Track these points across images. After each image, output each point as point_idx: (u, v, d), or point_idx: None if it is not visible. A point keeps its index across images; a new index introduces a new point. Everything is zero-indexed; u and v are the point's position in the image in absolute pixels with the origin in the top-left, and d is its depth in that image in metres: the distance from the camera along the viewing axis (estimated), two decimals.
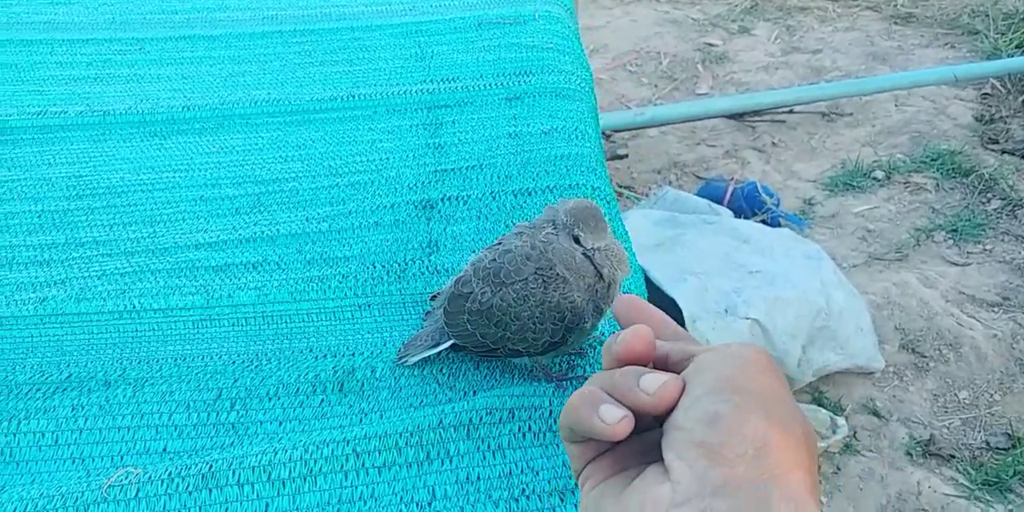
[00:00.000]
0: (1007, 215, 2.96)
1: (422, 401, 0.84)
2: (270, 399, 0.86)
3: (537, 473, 0.76)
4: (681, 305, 2.16)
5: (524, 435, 0.79)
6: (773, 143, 3.52)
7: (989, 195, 3.04)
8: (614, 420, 0.52)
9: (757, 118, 3.58)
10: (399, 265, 0.99)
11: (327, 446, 0.77)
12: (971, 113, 3.48)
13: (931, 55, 3.90)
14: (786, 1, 4.47)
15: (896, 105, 3.61)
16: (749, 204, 3.02)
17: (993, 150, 3.26)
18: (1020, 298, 2.66)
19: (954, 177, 3.18)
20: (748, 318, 2.18)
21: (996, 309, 2.63)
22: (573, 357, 0.89)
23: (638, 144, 3.54)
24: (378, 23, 1.54)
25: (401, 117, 1.27)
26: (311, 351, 0.91)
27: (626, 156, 3.33)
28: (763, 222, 2.91)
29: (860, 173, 3.25)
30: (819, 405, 2.33)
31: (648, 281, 2.29)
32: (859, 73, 3.83)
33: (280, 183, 1.16)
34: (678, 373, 0.56)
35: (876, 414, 2.35)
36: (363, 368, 0.88)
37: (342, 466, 0.76)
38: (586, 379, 0.83)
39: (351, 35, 1.51)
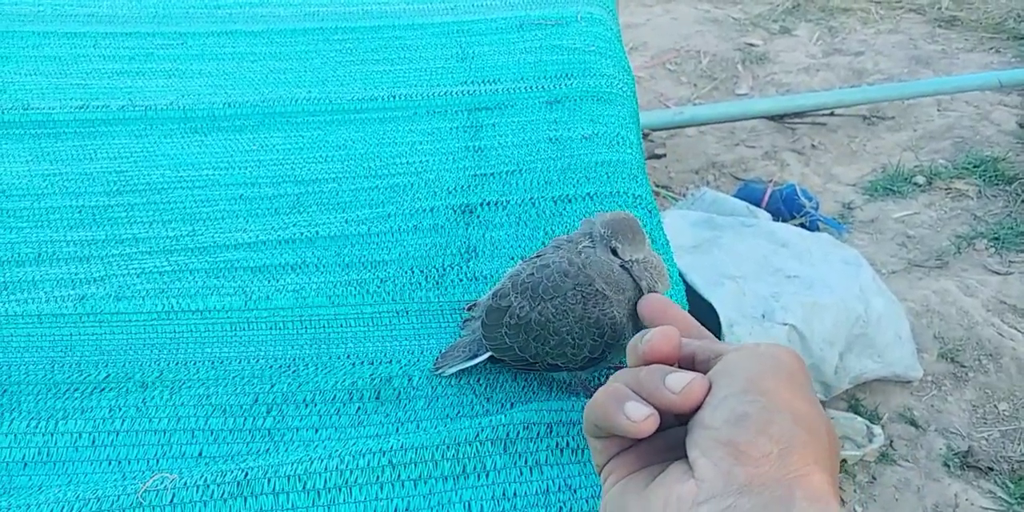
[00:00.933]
0: None
1: (459, 412, 0.83)
2: (306, 405, 0.85)
3: (575, 491, 0.74)
4: (718, 309, 2.14)
5: (562, 451, 0.77)
6: (813, 146, 3.48)
7: None
8: (640, 418, 0.53)
9: (797, 120, 3.54)
10: (437, 271, 0.98)
11: (363, 456, 0.76)
12: (1015, 119, 3.42)
13: (975, 59, 3.84)
14: (828, 2, 4.41)
15: (939, 110, 3.55)
16: (788, 207, 2.99)
17: None
18: None
19: (997, 184, 3.12)
20: (786, 324, 2.16)
21: None
22: (612, 371, 0.88)
23: (676, 143, 3.51)
24: (419, 22, 1.52)
25: (441, 119, 1.26)
26: (348, 357, 0.90)
27: (664, 156, 3.30)
28: (801, 226, 2.88)
29: (901, 178, 3.20)
30: (855, 413, 2.30)
31: (685, 284, 2.27)
32: (901, 76, 3.77)
33: (320, 184, 1.15)
34: (704, 372, 0.56)
35: (913, 423, 2.31)
36: (400, 376, 0.86)
37: (378, 478, 0.75)
38: None
39: (392, 33, 1.50)
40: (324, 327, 0.94)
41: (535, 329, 0.80)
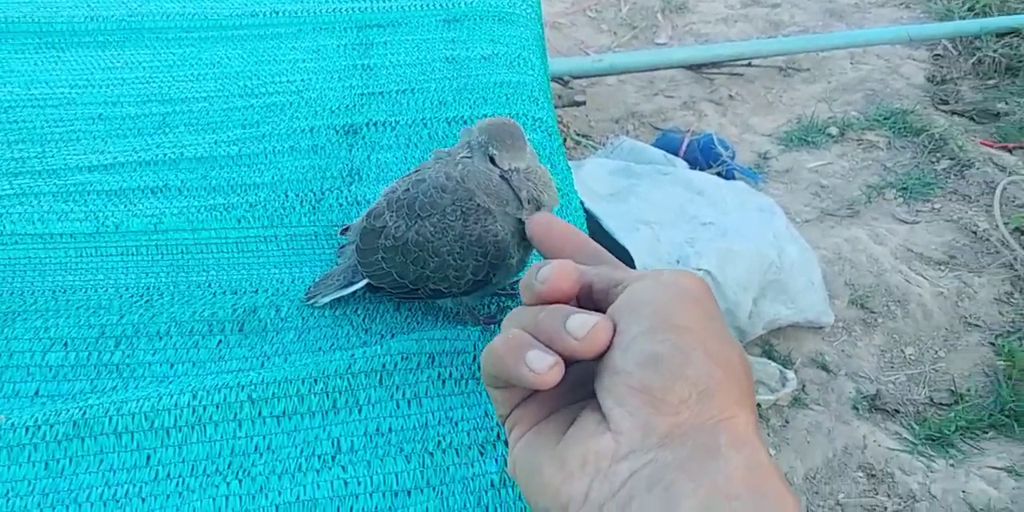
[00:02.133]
0: (955, 175, 2.94)
1: (332, 345, 0.74)
2: (160, 338, 0.76)
3: (456, 424, 0.67)
4: (633, 254, 2.10)
5: (443, 382, 0.70)
6: (730, 96, 3.46)
7: (939, 155, 3.02)
8: (543, 368, 0.47)
9: (715, 70, 3.50)
10: (314, 194, 0.89)
11: (219, 392, 0.68)
12: (923, 74, 3.45)
13: (887, 14, 3.86)
14: None
15: (851, 63, 3.56)
16: (705, 156, 2.96)
17: (944, 111, 3.24)
18: (965, 257, 2.65)
19: (906, 136, 3.15)
20: (700, 269, 2.13)
21: (942, 267, 2.62)
22: (502, 298, 0.80)
23: (596, 92, 3.45)
24: None
25: (328, 36, 1.16)
26: (209, 286, 0.81)
27: (584, 103, 3.23)
28: (718, 175, 2.85)
29: (815, 129, 3.21)
30: (769, 358, 2.31)
31: (601, 230, 2.23)
32: (816, 29, 3.77)
33: (189, 103, 1.04)
34: (606, 303, 0.51)
35: (825, 368, 2.33)
36: (267, 307, 0.78)
37: (235, 415, 0.67)
38: None
39: None
40: (183, 253, 0.84)
41: (413, 250, 0.72)
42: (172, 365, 0.74)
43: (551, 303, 0.51)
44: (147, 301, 0.79)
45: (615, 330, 0.47)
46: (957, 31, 3.38)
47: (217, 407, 0.67)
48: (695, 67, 3.52)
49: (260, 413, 0.67)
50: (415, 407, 0.68)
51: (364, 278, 0.76)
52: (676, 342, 0.45)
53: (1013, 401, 2.20)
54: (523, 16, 1.18)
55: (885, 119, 3.19)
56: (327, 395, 0.68)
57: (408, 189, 0.73)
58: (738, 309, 2.20)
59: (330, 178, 0.91)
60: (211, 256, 0.83)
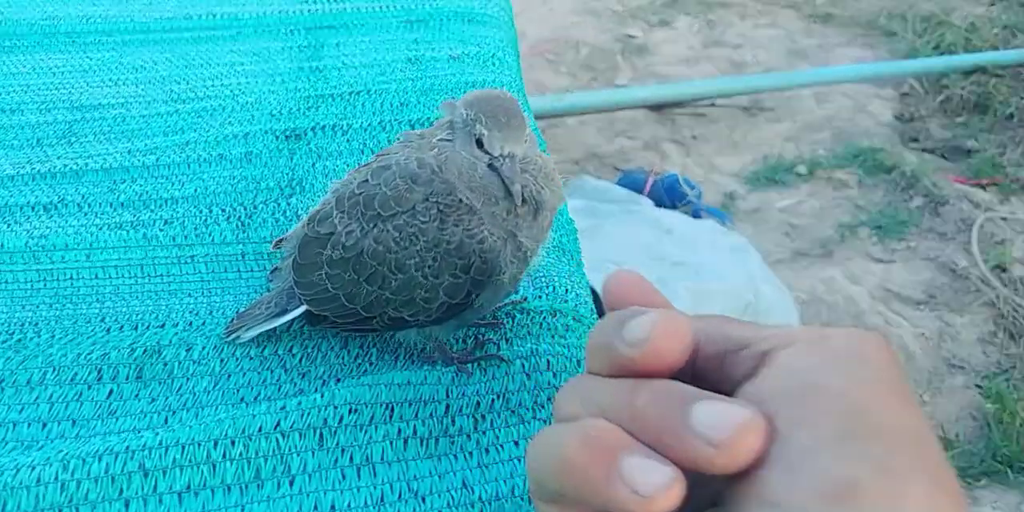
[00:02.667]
0: (929, 213, 2.86)
1: (258, 394, 0.57)
2: (32, 389, 0.58)
3: (423, 499, 0.50)
4: (601, 295, 1.94)
5: (406, 442, 0.53)
6: (693, 136, 3.38)
7: (911, 192, 2.95)
8: (655, 489, 0.31)
9: (678, 110, 3.43)
10: (244, 208, 0.73)
11: (101, 460, 0.50)
12: (891, 112, 3.41)
13: (851, 54, 3.84)
14: None
15: (817, 102, 3.51)
16: (670, 196, 2.85)
17: (914, 148, 3.19)
18: (945, 296, 2.56)
19: (876, 174, 3.09)
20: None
21: (922, 307, 2.53)
22: (482, 330, 0.64)
23: (556, 134, 3.34)
24: None
25: (272, 38, 1.01)
26: (103, 320, 0.63)
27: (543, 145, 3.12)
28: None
29: (782, 168, 3.13)
30: None
31: None
32: (780, 69, 3.72)
33: (102, 110, 0.88)
34: (723, 377, 0.35)
35: None
36: (175, 345, 0.60)
37: (121, 491, 0.49)
38: (503, 360, 0.59)
39: None
40: (71, 280, 0.66)
41: (369, 264, 0.55)
42: (45, 424, 0.56)
43: (644, 376, 0.35)
44: (18, 340, 0.61)
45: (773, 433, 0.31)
46: (923, 69, 3.36)
47: (96, 481, 0.49)
48: (657, 107, 3.45)
49: (155, 488, 0.49)
50: (367, 477, 0.51)
51: (302, 304, 0.59)
52: (883, 461, 0.29)
53: (1005, 446, 2.08)
54: (495, 17, 1.05)
55: (854, 157, 3.13)
56: (249, 462, 0.51)
57: (366, 180, 0.57)
58: None
59: (265, 190, 0.75)
60: (108, 283, 0.66)
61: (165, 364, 0.58)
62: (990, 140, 3.13)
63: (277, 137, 0.82)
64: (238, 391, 0.58)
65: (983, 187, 2.93)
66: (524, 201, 0.54)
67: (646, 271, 1.66)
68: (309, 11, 1.06)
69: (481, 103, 0.55)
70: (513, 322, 0.62)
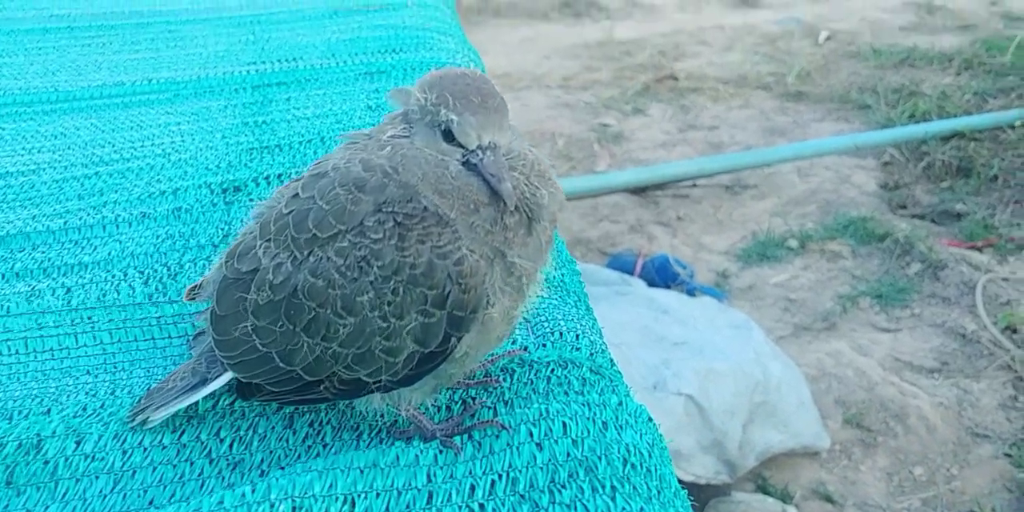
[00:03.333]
0: (929, 278, 2.78)
1: (173, 494, 0.43)
2: None
3: None
4: None
5: None
6: (678, 217, 3.32)
7: (907, 259, 2.87)
8: None
9: (660, 193, 3.38)
10: (168, 269, 0.61)
11: None
12: (875, 181, 3.38)
13: (827, 128, 3.85)
14: (677, 83, 4.39)
15: (800, 176, 3.48)
16: (662, 277, 2.74)
17: (903, 215, 3.14)
18: (958, 362, 2.45)
19: (869, 243, 3.02)
20: (681, 394, 1.84)
21: (936, 375, 2.40)
22: (472, 391, 0.50)
23: None
24: (204, 17, 1.21)
25: (214, 98, 0.94)
26: None
27: None
28: None
29: (773, 243, 3.06)
30: (764, 493, 1.99)
31: None
32: (758, 147, 3.70)
33: (8, 178, 0.77)
34: None
35: (829, 499, 2.03)
36: (61, 437, 0.46)
37: None
38: (504, 428, 0.44)
39: (165, 28, 1.17)
40: None
41: (306, 307, 0.42)
42: None
43: None
44: None
45: None
46: (902, 137, 3.36)
47: None
48: (639, 191, 3.41)
49: None
50: None
51: (226, 371, 0.45)
52: None
53: None
54: (463, 66, 0.96)
55: (845, 228, 3.07)
56: None
57: (296, 195, 0.44)
58: (727, 439, 1.91)
59: (195, 247, 0.64)
60: None
61: (46, 463, 0.44)
62: (978, 202, 3.09)
63: (213, 191, 0.71)
64: (146, 492, 0.44)
65: (979, 249, 2.86)
66: (515, 206, 0.42)
67: (648, 353, 1.52)
68: (257, 71, 0.97)
69: (445, 83, 0.43)
70: (512, 379, 0.48)
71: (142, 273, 0.61)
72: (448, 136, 0.44)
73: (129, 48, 1.10)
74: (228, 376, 0.46)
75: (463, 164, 0.44)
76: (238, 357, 0.45)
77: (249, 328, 0.44)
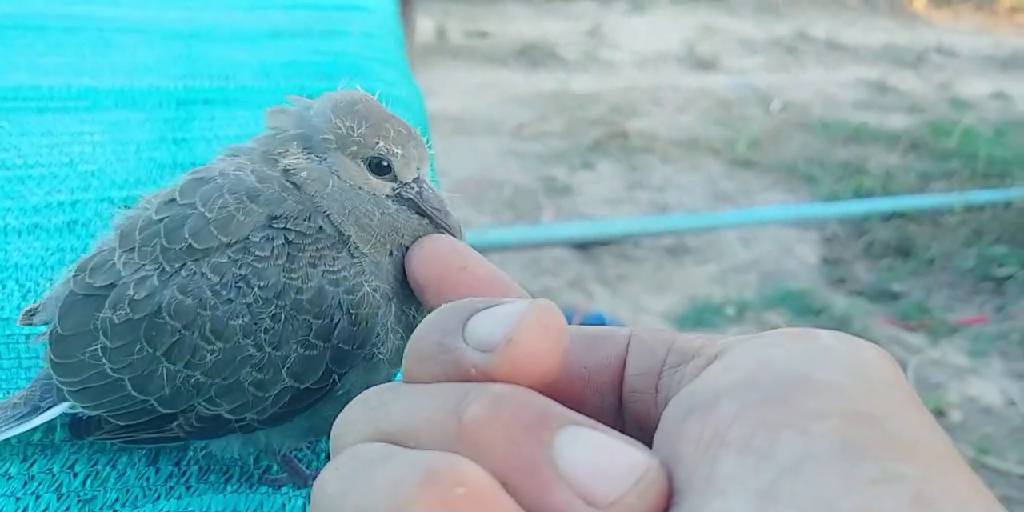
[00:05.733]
0: None
1: None
2: None
3: None
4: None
5: None
6: (619, 276, 3.31)
7: None
8: None
9: (602, 249, 3.38)
10: (52, 284, 0.55)
11: None
12: (816, 254, 3.41)
13: (773, 198, 3.89)
14: (628, 141, 4.43)
15: (742, 244, 3.51)
16: None
17: (841, 291, 3.17)
18: None
19: (806, 316, 3.03)
20: None
21: None
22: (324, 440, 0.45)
23: None
24: (138, 27, 1.16)
25: (135, 110, 0.88)
26: None
27: None
28: None
29: (710, 309, 3.06)
30: None
31: None
32: (704, 211, 3.74)
33: None
34: (643, 409, 0.27)
35: None
36: None
37: None
38: None
39: (97, 35, 1.12)
40: None
41: (171, 328, 0.37)
42: None
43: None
44: None
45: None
46: (846, 212, 3.41)
47: None
48: (582, 246, 3.40)
49: None
50: None
51: (64, 400, 0.40)
52: (918, 488, 0.20)
53: None
54: (402, 99, 0.93)
55: (782, 299, 3.09)
56: None
57: (172, 201, 0.40)
58: None
59: None
60: None
61: None
62: (915, 283, 3.13)
63: (115, 204, 0.66)
64: None
65: (913, 330, 2.89)
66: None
67: None
68: (185, 86, 0.92)
69: (366, 111, 0.40)
70: None
71: (22, 286, 0.56)
72: (379, 170, 0.41)
73: (54, 51, 1.04)
74: (65, 406, 0.41)
75: (395, 198, 0.41)
76: (81, 383, 0.39)
77: (99, 350, 0.39)
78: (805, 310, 3.04)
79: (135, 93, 0.90)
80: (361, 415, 0.26)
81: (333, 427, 0.26)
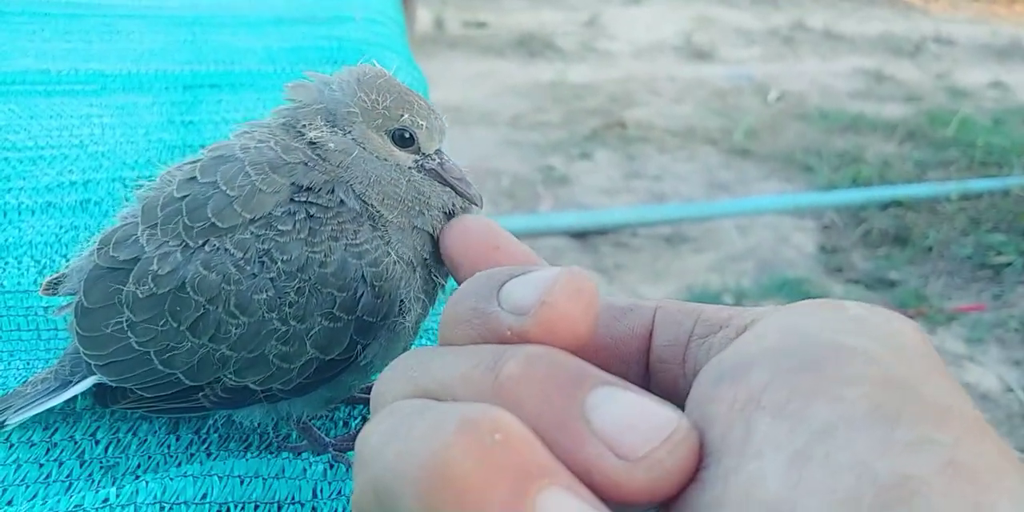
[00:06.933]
0: None
1: (35, 494, 0.39)
2: None
3: None
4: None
5: None
6: (616, 265, 3.32)
7: None
8: None
9: (600, 239, 3.39)
10: (67, 260, 0.55)
11: None
12: (813, 243, 3.42)
13: (770, 187, 3.89)
14: (625, 131, 4.43)
15: (739, 233, 3.51)
16: None
17: (838, 279, 3.17)
18: None
19: None
20: None
21: None
22: (363, 407, 0.46)
23: None
24: (143, 14, 1.16)
25: (143, 93, 0.89)
26: None
27: None
28: None
29: (707, 298, 3.06)
30: None
31: None
32: (700, 201, 3.74)
33: None
34: (677, 376, 0.28)
35: None
36: None
37: None
38: None
39: (101, 21, 1.12)
40: None
41: (195, 303, 0.38)
42: None
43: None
44: None
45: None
46: (843, 201, 3.41)
47: None
48: (579, 236, 3.41)
49: None
50: None
51: (90, 374, 0.41)
52: (950, 454, 0.21)
53: None
54: (409, 85, 0.94)
55: (779, 288, 3.09)
56: None
57: (193, 178, 0.41)
58: None
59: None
60: None
61: None
62: (912, 272, 3.14)
63: (126, 186, 0.67)
64: (5, 491, 0.39)
65: (910, 318, 2.91)
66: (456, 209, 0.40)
67: None
68: (191, 70, 0.93)
69: (389, 86, 0.41)
70: None
71: (38, 262, 0.57)
72: (403, 142, 0.42)
73: (60, 37, 1.05)
74: (94, 379, 0.42)
75: (419, 169, 0.42)
76: (108, 357, 0.40)
77: (124, 324, 0.39)
78: (802, 298, 3.04)
79: (142, 77, 0.91)
80: (401, 374, 0.26)
81: (373, 387, 0.27)
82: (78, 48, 0.98)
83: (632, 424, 0.23)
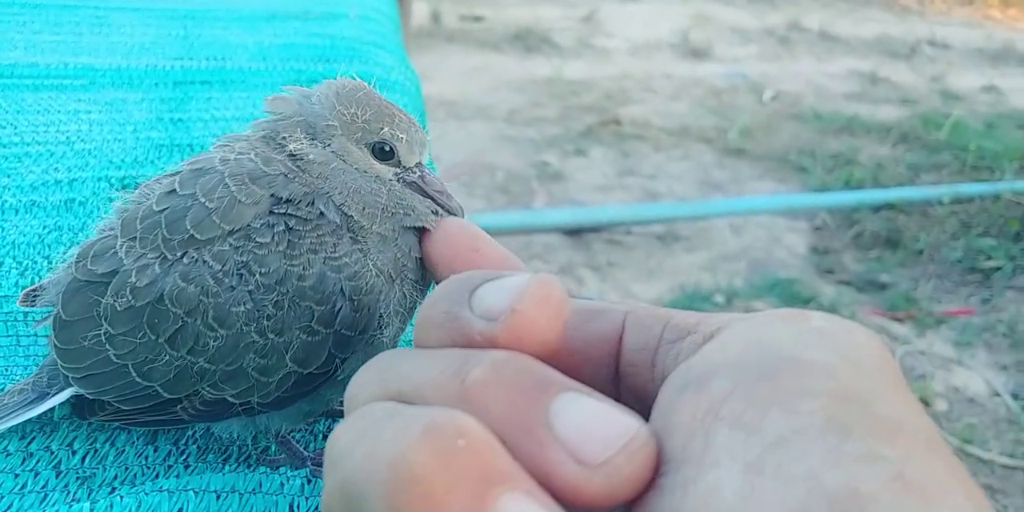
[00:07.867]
0: None
1: (10, 505, 0.38)
2: None
3: None
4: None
5: None
6: (609, 263, 3.32)
7: None
8: None
9: (593, 236, 3.39)
10: (50, 263, 0.55)
11: None
12: (805, 244, 3.42)
13: (763, 187, 3.90)
14: (620, 128, 4.42)
15: (732, 232, 3.52)
16: None
17: (829, 281, 3.18)
18: None
19: (793, 305, 3.04)
20: None
21: None
22: (340, 420, 0.46)
23: None
24: (135, 7, 1.15)
25: (132, 89, 0.88)
26: None
27: None
28: None
29: (699, 297, 3.07)
30: None
31: None
32: (694, 200, 3.74)
33: None
34: (644, 381, 0.28)
35: None
36: None
37: None
38: None
39: (92, 14, 1.11)
40: None
41: (173, 316, 0.37)
42: None
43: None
44: None
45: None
46: (835, 203, 3.41)
47: None
48: (573, 232, 3.41)
49: None
50: None
51: (68, 386, 0.40)
52: (899, 468, 0.21)
53: None
54: (400, 84, 0.94)
55: (771, 288, 3.10)
56: None
57: (173, 191, 0.40)
58: None
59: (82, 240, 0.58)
60: None
61: None
62: (902, 274, 3.15)
63: (112, 184, 0.66)
64: None
65: (900, 320, 2.91)
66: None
67: None
68: (182, 66, 0.92)
69: (367, 99, 0.40)
70: None
71: (20, 263, 0.56)
72: (383, 155, 0.41)
73: (50, 29, 1.03)
74: (71, 391, 0.41)
75: (399, 180, 0.42)
76: (86, 370, 0.40)
77: (102, 337, 0.39)
78: (793, 299, 3.06)
79: (132, 73, 0.90)
80: (374, 376, 0.27)
81: (347, 388, 0.28)
82: (68, 41, 0.97)
83: (593, 430, 0.24)
